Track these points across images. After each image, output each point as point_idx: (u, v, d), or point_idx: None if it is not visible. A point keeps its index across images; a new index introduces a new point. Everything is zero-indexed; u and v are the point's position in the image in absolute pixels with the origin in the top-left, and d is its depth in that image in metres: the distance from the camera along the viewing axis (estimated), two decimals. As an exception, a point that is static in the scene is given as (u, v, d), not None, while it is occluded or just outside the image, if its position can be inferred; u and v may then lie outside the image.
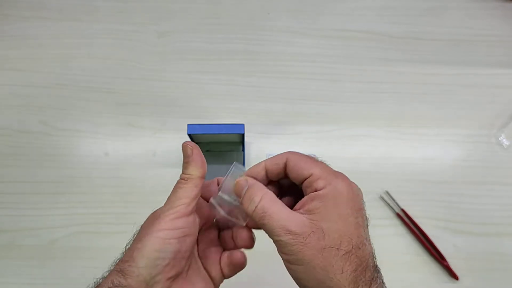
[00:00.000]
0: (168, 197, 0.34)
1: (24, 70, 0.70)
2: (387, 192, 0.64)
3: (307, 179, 0.32)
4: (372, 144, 0.67)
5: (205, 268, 0.37)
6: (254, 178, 0.35)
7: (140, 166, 0.66)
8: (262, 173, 0.35)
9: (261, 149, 0.67)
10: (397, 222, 0.63)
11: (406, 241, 0.62)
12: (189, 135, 0.59)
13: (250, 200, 0.32)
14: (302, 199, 0.32)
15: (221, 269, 0.37)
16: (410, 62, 0.72)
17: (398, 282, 0.60)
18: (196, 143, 0.64)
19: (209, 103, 0.69)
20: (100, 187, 0.65)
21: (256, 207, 0.31)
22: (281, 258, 0.31)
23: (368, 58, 0.72)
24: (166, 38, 0.73)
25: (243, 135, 0.59)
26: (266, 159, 0.35)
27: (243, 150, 0.65)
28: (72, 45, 0.72)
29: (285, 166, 0.34)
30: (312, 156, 0.34)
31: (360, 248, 0.30)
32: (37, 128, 0.67)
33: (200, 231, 0.37)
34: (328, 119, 0.68)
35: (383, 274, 0.31)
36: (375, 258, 0.31)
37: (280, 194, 0.36)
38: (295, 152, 0.34)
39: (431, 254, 0.61)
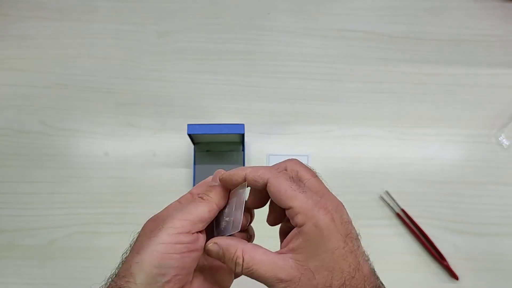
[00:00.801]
0: (178, 206, 0.33)
1: (24, 70, 0.70)
2: (387, 192, 0.64)
3: (287, 211, 0.30)
4: (372, 144, 0.67)
5: (212, 272, 0.35)
6: (233, 182, 0.33)
7: (140, 166, 0.66)
8: (240, 182, 0.33)
9: (261, 149, 0.67)
10: (397, 222, 0.63)
11: (406, 241, 0.62)
12: (189, 135, 0.59)
13: (234, 263, 0.31)
14: (288, 236, 0.31)
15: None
16: (410, 62, 0.72)
17: (398, 282, 0.60)
18: (196, 143, 0.64)
19: (209, 103, 0.69)
20: (100, 187, 0.65)
21: (242, 268, 0.30)
22: None
23: (368, 58, 0.72)
24: (166, 38, 0.73)
25: (243, 135, 0.59)
26: (248, 168, 0.33)
27: (243, 150, 0.65)
28: (72, 45, 0.72)
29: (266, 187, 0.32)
30: (307, 164, 0.33)
31: (354, 277, 0.29)
32: (37, 128, 0.67)
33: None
34: (328, 119, 0.68)
35: (383, 275, 0.31)
36: (376, 274, 0.31)
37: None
38: (277, 174, 0.32)
39: (431, 254, 0.61)
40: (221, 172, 0.34)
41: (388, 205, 0.64)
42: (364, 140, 0.67)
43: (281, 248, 0.32)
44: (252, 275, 0.30)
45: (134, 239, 0.32)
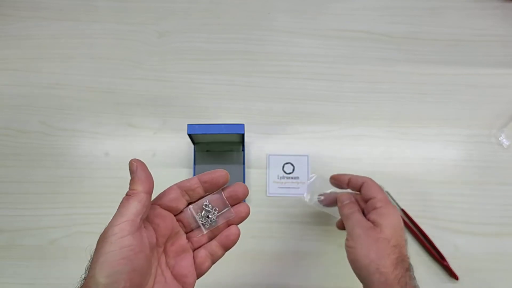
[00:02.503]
0: (114, 214, 0.34)
1: (24, 70, 0.70)
2: (387, 192, 0.64)
3: (371, 199, 0.48)
4: (372, 144, 0.67)
5: (176, 277, 0.36)
6: (340, 181, 0.54)
7: (140, 166, 0.65)
8: (346, 182, 0.53)
9: (261, 149, 0.67)
10: (397, 222, 0.63)
11: (406, 241, 0.62)
12: (189, 135, 0.59)
13: (350, 201, 0.51)
14: (367, 216, 0.48)
15: (198, 268, 0.37)
16: (410, 62, 0.72)
17: (398, 282, 0.60)
18: (196, 143, 0.64)
19: (209, 103, 0.69)
20: (99, 187, 0.65)
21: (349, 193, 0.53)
22: (345, 244, 0.47)
23: (367, 58, 0.72)
24: (166, 38, 0.73)
25: (243, 135, 0.59)
26: (350, 175, 0.53)
27: (243, 150, 0.65)
28: (72, 45, 0.72)
29: (361, 186, 0.51)
30: (381, 186, 0.51)
31: (402, 247, 0.44)
32: (37, 128, 0.67)
33: (166, 241, 0.37)
34: (328, 119, 0.68)
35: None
36: (409, 261, 0.45)
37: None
38: (372, 180, 0.51)
39: (431, 254, 0.61)
40: (134, 162, 0.36)
41: (388, 205, 0.64)
42: (364, 140, 0.67)
43: None
44: (351, 216, 0.48)
45: (92, 254, 0.33)
